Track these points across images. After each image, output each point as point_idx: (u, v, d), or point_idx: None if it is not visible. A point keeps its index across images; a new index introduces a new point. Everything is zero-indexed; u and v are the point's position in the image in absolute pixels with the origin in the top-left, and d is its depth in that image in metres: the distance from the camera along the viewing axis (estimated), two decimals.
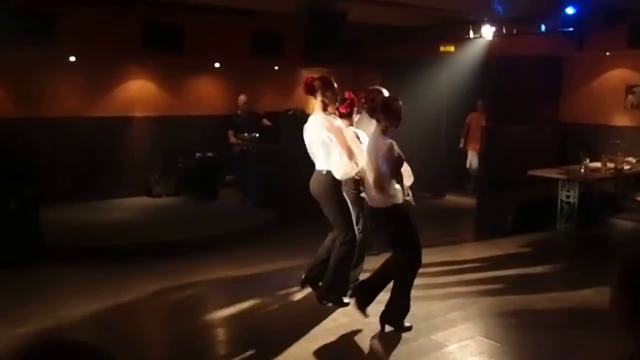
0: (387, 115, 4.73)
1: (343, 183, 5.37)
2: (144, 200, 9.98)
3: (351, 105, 5.42)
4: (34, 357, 1.16)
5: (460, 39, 10.70)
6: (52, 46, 8.45)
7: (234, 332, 4.85)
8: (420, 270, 5.19)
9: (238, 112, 10.14)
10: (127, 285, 5.78)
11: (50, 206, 7.88)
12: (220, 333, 4.89)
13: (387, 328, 4.82)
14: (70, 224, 8.07)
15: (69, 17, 8.60)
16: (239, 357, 4.34)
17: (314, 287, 5.52)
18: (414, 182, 5.06)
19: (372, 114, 4.98)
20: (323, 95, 5.19)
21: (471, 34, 10.36)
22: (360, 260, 5.63)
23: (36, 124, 9.09)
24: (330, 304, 5.26)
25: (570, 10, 8.39)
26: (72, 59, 9.16)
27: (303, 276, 5.63)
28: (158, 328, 4.86)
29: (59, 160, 9.32)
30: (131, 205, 9.63)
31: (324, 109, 5.22)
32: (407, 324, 4.85)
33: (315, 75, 5.38)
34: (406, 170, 4.95)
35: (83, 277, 6.09)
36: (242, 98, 10.11)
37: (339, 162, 5.13)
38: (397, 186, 4.70)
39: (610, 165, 7.99)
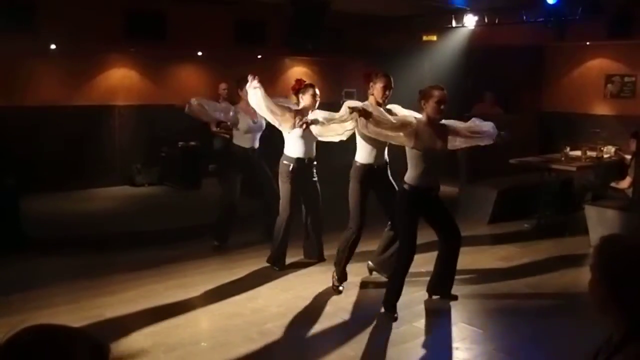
0: None
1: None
2: (127, 190, 9.93)
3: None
4: (26, 343, 1.16)
5: (442, 28, 10.73)
6: (33, 34, 8.34)
7: (218, 320, 4.86)
8: None
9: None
10: (109, 276, 5.75)
11: (30, 196, 7.81)
12: (204, 322, 4.89)
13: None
14: (51, 214, 8.01)
15: (50, 4, 8.49)
16: (227, 346, 4.35)
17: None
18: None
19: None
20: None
21: (454, 23, 10.40)
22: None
23: (16, 112, 9.00)
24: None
25: (550, 0, 8.46)
26: (53, 47, 9.05)
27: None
28: (141, 318, 4.84)
29: (39, 149, 9.24)
30: (113, 194, 9.57)
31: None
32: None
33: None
34: None
35: (65, 267, 6.04)
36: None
37: None
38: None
39: (591, 153, 8.09)
